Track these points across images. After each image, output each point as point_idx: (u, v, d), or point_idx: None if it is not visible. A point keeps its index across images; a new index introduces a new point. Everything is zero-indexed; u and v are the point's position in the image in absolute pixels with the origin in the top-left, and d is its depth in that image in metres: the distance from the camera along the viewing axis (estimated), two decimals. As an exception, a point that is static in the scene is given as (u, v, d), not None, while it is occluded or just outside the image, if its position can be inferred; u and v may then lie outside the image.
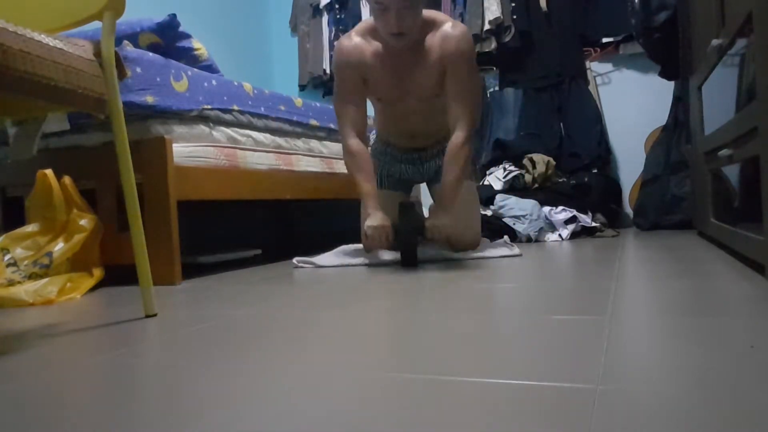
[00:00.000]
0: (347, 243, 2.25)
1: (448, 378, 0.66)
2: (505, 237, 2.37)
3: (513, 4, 3.30)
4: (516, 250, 2.01)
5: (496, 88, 3.52)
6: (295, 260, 2.05)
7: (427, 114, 1.95)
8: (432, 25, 1.81)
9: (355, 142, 1.85)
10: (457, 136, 1.79)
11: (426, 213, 2.42)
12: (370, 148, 2.16)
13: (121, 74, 1.22)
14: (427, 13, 1.82)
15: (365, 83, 1.87)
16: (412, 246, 1.81)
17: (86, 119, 1.76)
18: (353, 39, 1.85)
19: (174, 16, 1.96)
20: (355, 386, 0.65)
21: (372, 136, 2.20)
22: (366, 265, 1.94)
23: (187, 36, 2.07)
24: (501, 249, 2.02)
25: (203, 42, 2.22)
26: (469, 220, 1.99)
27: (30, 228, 1.66)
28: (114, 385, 0.71)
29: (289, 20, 4.25)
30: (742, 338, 0.77)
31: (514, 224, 2.61)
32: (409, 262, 1.82)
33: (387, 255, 1.96)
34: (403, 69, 1.83)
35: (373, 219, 1.77)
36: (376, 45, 1.83)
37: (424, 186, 3.09)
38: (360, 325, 0.99)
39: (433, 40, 1.80)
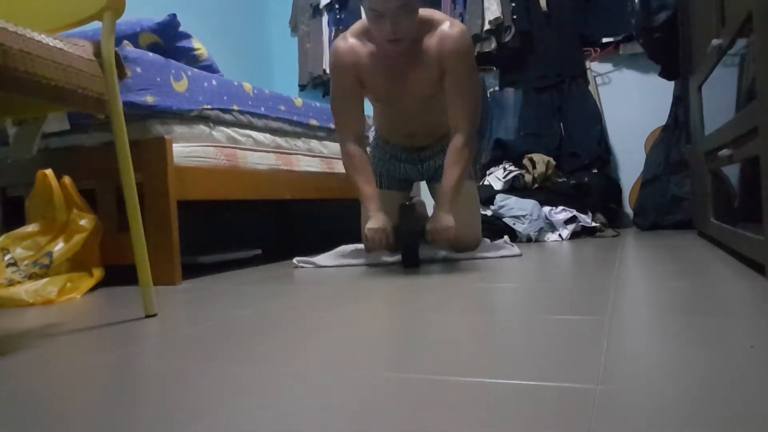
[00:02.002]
0: (347, 243, 2.25)
1: (448, 378, 0.66)
2: (505, 237, 2.37)
3: (513, 4, 3.30)
4: (516, 250, 2.01)
5: (496, 88, 3.52)
6: (295, 260, 2.05)
7: (425, 114, 1.93)
8: (429, 25, 1.77)
9: (353, 145, 1.82)
10: (458, 138, 1.77)
11: (430, 212, 2.42)
12: (369, 147, 2.16)
13: (121, 74, 1.22)
14: (424, 12, 1.77)
15: (362, 84, 1.83)
16: (413, 247, 1.80)
17: (86, 119, 1.76)
18: (348, 40, 1.80)
19: (174, 16, 1.96)
20: (355, 386, 0.65)
21: (371, 134, 2.18)
22: (366, 265, 1.94)
23: (187, 36, 2.07)
24: (501, 249, 2.02)
25: (203, 42, 2.22)
26: (470, 220, 1.99)
27: (30, 228, 1.66)
28: (114, 385, 0.71)
29: (289, 20, 4.25)
30: (742, 338, 0.77)
31: (514, 224, 2.61)
32: (411, 262, 1.81)
33: (387, 257, 1.95)
34: (400, 70, 1.79)
35: (374, 221, 1.74)
36: (371, 46, 1.79)
37: (424, 183, 3.09)
38: (360, 325, 0.99)
39: (430, 40, 1.76)
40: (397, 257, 1.90)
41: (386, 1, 1.60)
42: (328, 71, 3.93)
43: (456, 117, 1.78)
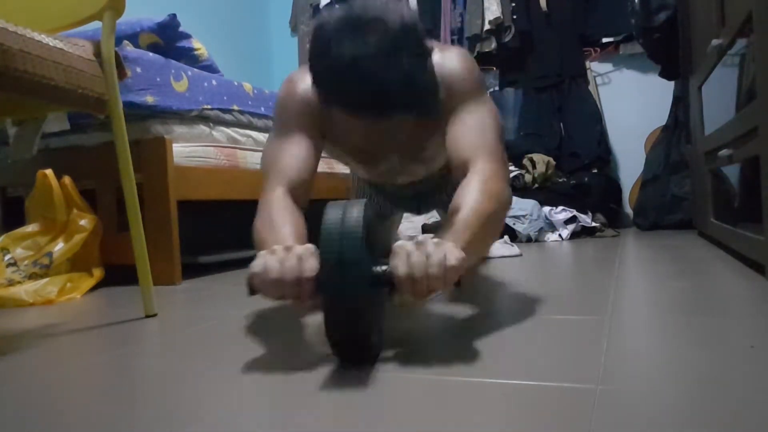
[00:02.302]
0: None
1: (448, 378, 0.66)
2: (505, 237, 2.37)
3: (513, 4, 3.30)
4: (516, 250, 2.01)
5: (496, 88, 3.52)
6: None
7: (419, 163, 1.31)
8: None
9: (280, 193, 1.03)
10: (477, 172, 0.95)
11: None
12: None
13: (121, 74, 1.22)
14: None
15: (321, 139, 1.11)
16: (353, 310, 0.70)
17: (86, 119, 1.76)
18: (307, 80, 1.02)
19: (174, 16, 1.96)
20: (355, 385, 0.65)
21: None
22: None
23: (187, 36, 2.07)
24: (501, 249, 2.02)
25: (203, 42, 2.22)
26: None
27: (30, 228, 1.66)
28: (114, 385, 0.71)
29: (289, 20, 4.25)
30: (742, 338, 0.77)
31: (514, 224, 2.61)
32: (350, 350, 0.75)
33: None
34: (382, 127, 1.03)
35: (270, 251, 0.78)
36: None
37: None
38: (360, 325, 0.99)
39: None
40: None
41: (370, 129, 1.00)
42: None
43: (468, 151, 1.00)
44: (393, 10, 0.91)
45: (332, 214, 0.73)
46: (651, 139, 3.16)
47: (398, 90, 0.87)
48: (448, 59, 1.07)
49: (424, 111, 0.98)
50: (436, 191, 1.54)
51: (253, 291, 0.75)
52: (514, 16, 3.30)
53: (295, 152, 1.08)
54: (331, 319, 0.71)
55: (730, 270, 1.39)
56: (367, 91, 0.87)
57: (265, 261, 0.75)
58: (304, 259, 0.74)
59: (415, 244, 0.74)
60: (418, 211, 1.65)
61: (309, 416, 0.57)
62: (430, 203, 1.61)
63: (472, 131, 1.02)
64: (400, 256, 0.73)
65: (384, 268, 0.73)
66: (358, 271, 0.69)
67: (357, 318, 0.70)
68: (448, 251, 0.73)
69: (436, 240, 0.75)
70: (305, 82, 1.07)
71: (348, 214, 0.72)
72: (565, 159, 3.24)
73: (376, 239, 0.85)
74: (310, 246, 0.77)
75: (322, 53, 0.88)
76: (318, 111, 1.07)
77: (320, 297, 0.71)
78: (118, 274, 1.78)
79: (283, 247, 0.76)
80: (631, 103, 3.33)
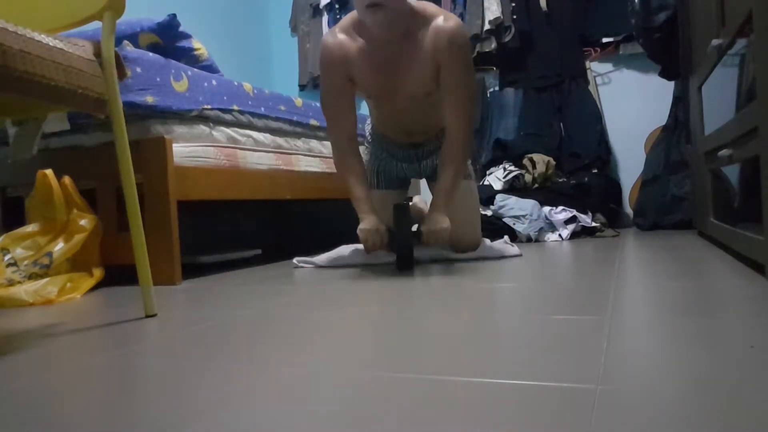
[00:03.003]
0: (347, 243, 2.25)
1: (448, 378, 0.66)
2: (505, 237, 2.37)
3: (513, 4, 3.30)
4: (516, 249, 2.01)
5: (496, 88, 3.52)
6: (295, 260, 2.05)
7: (421, 111, 1.85)
8: (422, 19, 1.67)
9: (344, 144, 1.77)
10: (452, 135, 1.72)
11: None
12: (365, 142, 2.14)
13: (121, 74, 1.22)
14: (418, 4, 1.68)
15: (352, 81, 1.74)
16: (407, 250, 1.73)
17: (86, 119, 1.76)
18: (337, 36, 1.71)
19: (174, 16, 1.96)
20: (355, 386, 0.65)
21: (367, 128, 2.14)
22: (366, 265, 1.94)
23: (187, 36, 2.07)
24: (501, 249, 2.02)
25: (203, 42, 2.22)
26: (469, 220, 1.98)
27: (30, 228, 1.66)
28: (114, 385, 0.71)
29: (289, 20, 4.25)
30: (742, 338, 0.77)
31: (514, 224, 2.61)
32: (405, 265, 1.73)
33: (386, 256, 1.94)
34: (391, 66, 1.71)
35: (366, 222, 1.72)
36: (361, 41, 1.70)
37: (423, 181, 3.08)
38: (360, 325, 0.99)
39: (424, 34, 1.66)
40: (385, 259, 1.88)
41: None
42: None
43: (451, 114, 1.71)
44: None
45: (395, 209, 1.72)
46: (651, 139, 3.16)
47: None
48: (448, 24, 1.65)
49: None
50: (431, 158, 2.04)
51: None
52: (514, 16, 3.30)
53: (343, 107, 1.77)
54: (399, 251, 1.73)
55: (730, 270, 1.39)
56: None
57: (365, 235, 1.72)
58: (383, 236, 1.72)
59: (427, 226, 1.71)
60: (419, 174, 2.12)
61: (309, 416, 0.57)
62: (427, 168, 2.07)
63: (457, 96, 1.70)
64: (424, 230, 1.71)
65: (421, 223, 1.78)
66: (407, 236, 1.73)
67: (409, 249, 1.73)
68: (439, 219, 1.70)
69: (436, 214, 1.72)
70: (333, 42, 1.71)
71: (402, 209, 1.71)
72: (565, 159, 3.24)
73: (411, 218, 1.78)
74: (383, 227, 1.72)
75: None
76: (346, 61, 1.71)
77: (393, 245, 1.74)
78: (118, 274, 1.78)
79: (373, 226, 1.71)
80: (631, 103, 3.33)
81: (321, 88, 1.78)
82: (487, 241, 2.19)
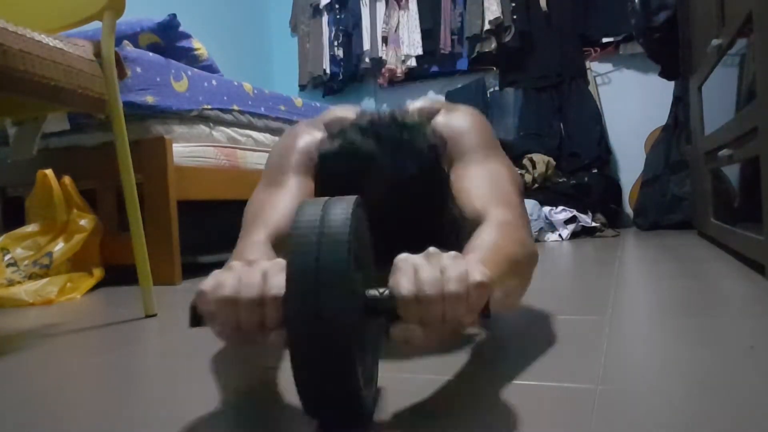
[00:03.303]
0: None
1: (447, 378, 0.66)
2: None
3: (513, 4, 3.30)
4: None
5: (496, 88, 3.52)
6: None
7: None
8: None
9: (260, 240, 0.83)
10: (493, 219, 0.78)
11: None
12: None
13: (121, 74, 1.22)
14: None
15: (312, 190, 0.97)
16: (336, 353, 0.47)
17: (86, 119, 1.76)
18: (315, 135, 0.99)
19: (174, 16, 1.96)
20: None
21: None
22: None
23: (187, 36, 2.07)
24: None
25: (203, 42, 2.22)
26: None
27: (30, 228, 1.66)
28: (114, 385, 0.71)
29: (289, 20, 4.25)
30: (742, 338, 0.77)
31: (514, 224, 2.61)
32: (330, 414, 0.51)
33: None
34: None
35: (231, 266, 0.57)
36: None
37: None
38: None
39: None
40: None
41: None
42: (328, 71, 3.92)
43: (480, 201, 0.85)
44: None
45: (309, 211, 0.51)
46: (651, 139, 3.16)
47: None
48: (454, 118, 1.00)
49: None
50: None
51: (196, 319, 0.54)
52: (514, 16, 3.30)
53: (287, 200, 0.92)
54: (301, 364, 0.47)
55: (730, 270, 1.39)
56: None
57: (218, 277, 0.54)
58: (271, 274, 0.53)
59: (425, 255, 0.54)
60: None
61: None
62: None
63: (485, 181, 0.90)
64: (403, 270, 0.52)
65: (381, 290, 0.51)
66: (344, 290, 0.46)
67: (341, 362, 0.46)
68: (471, 266, 0.53)
69: (453, 253, 0.55)
70: (310, 134, 1.01)
71: (331, 212, 0.51)
72: (565, 159, 3.24)
73: (368, 250, 0.61)
74: (281, 261, 0.55)
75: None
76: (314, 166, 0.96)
77: (288, 328, 0.47)
78: (118, 274, 1.78)
79: (245, 261, 0.56)
80: (631, 103, 3.33)
81: (267, 167, 1.01)
82: None
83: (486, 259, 0.63)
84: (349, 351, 0.46)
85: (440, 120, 0.99)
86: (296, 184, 0.93)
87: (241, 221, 0.93)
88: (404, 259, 0.54)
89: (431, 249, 0.55)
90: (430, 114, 1.02)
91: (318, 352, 0.46)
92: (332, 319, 0.45)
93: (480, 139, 0.98)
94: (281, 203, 0.90)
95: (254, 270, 0.54)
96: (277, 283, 0.51)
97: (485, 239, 0.72)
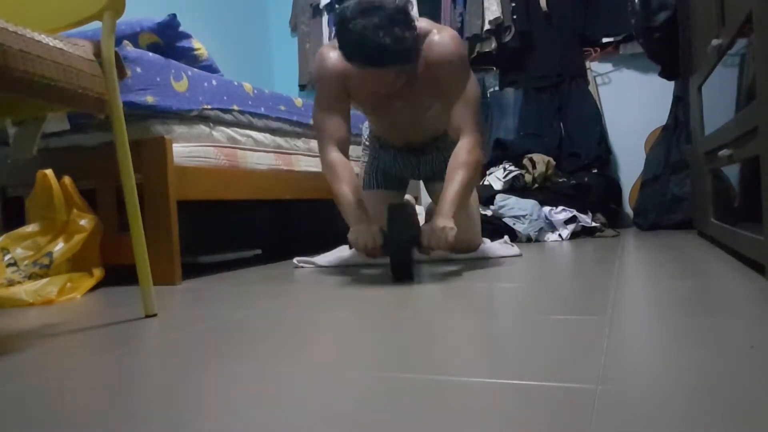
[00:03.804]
0: (346, 243, 2.25)
1: (447, 378, 0.66)
2: (505, 237, 2.37)
3: (513, 4, 3.30)
4: (516, 250, 2.01)
5: (496, 88, 3.52)
6: (295, 260, 2.05)
7: (420, 122, 1.82)
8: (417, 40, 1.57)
9: (335, 153, 1.65)
10: (463, 141, 1.60)
11: (421, 213, 2.35)
12: (363, 143, 2.13)
13: (121, 74, 1.22)
14: None
15: (348, 95, 1.68)
16: (404, 255, 1.49)
17: (86, 119, 1.76)
18: (337, 50, 1.58)
19: (174, 16, 1.96)
20: (355, 386, 0.65)
21: (365, 130, 2.12)
22: (366, 265, 1.93)
23: (187, 36, 2.07)
24: (501, 249, 2.02)
25: (203, 42, 2.22)
26: (469, 220, 1.97)
27: (30, 228, 1.66)
28: (114, 385, 0.71)
29: (289, 20, 4.25)
30: (742, 338, 0.77)
31: (514, 224, 2.61)
32: (402, 273, 1.50)
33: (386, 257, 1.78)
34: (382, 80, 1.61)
35: (357, 225, 1.56)
36: None
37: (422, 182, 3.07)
38: (360, 325, 0.99)
39: (419, 54, 1.58)
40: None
41: (376, 76, 1.51)
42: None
43: (458, 121, 1.62)
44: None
45: (390, 209, 1.50)
46: (651, 139, 3.16)
47: (390, 50, 1.41)
48: (441, 37, 1.59)
49: (406, 66, 1.52)
50: (430, 159, 2.00)
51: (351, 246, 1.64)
52: (514, 16, 3.30)
53: (335, 116, 1.66)
54: (392, 257, 1.50)
55: (730, 270, 1.39)
56: (371, 50, 1.41)
57: (356, 235, 1.53)
58: (376, 237, 1.51)
59: (430, 226, 1.50)
60: (417, 176, 2.08)
61: (308, 416, 0.57)
62: (426, 170, 2.04)
63: (461, 106, 1.61)
64: (425, 231, 1.51)
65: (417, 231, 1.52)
66: (405, 234, 1.49)
67: (406, 255, 1.50)
68: (443, 221, 1.50)
69: (440, 217, 1.51)
70: (332, 55, 1.63)
71: (398, 209, 1.50)
72: (565, 159, 3.24)
73: (413, 220, 1.58)
74: (376, 227, 1.53)
75: (343, 29, 1.42)
76: (343, 76, 1.62)
77: (388, 250, 1.51)
78: (118, 274, 1.78)
79: (365, 226, 1.54)
80: (631, 103, 3.33)
81: (316, 96, 1.71)
82: (487, 241, 2.19)
83: (452, 208, 1.53)
84: (408, 249, 1.51)
85: (432, 38, 1.58)
86: (335, 99, 1.66)
87: (315, 131, 1.74)
88: (426, 226, 1.52)
89: (435, 224, 1.51)
90: (425, 33, 1.58)
91: (399, 252, 1.50)
92: (402, 242, 1.50)
93: (459, 65, 1.60)
94: (333, 121, 1.67)
95: (369, 234, 1.52)
96: (379, 240, 1.52)
97: (456, 180, 1.56)
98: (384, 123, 1.88)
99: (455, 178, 1.56)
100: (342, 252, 2.07)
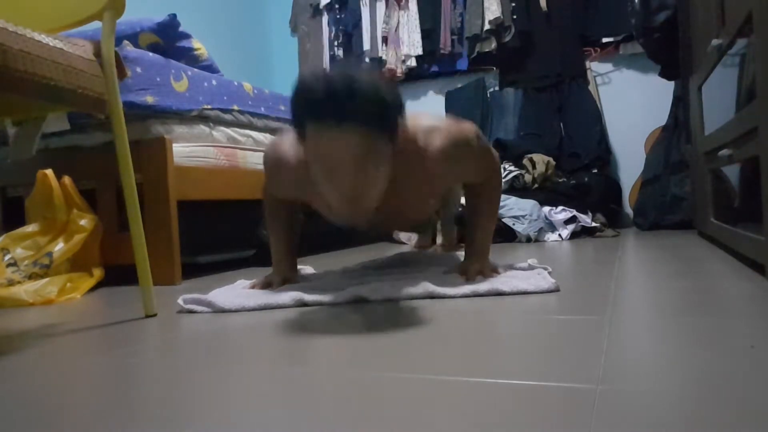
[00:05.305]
0: (347, 243, 2.22)
1: (448, 378, 0.66)
2: (533, 260, 1.56)
3: (513, 4, 3.30)
4: (550, 280, 1.24)
5: (496, 88, 3.52)
6: (181, 300, 1.25)
7: (411, 217, 1.55)
8: (410, 141, 1.22)
9: (279, 204, 1.45)
10: (483, 186, 1.40)
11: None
12: None
13: (121, 74, 1.22)
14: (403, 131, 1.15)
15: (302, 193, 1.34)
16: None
17: (86, 119, 1.76)
18: (294, 151, 1.27)
19: (174, 16, 1.96)
20: (354, 387, 0.65)
21: None
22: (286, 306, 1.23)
23: (187, 36, 2.07)
24: (531, 279, 1.27)
25: (203, 42, 2.22)
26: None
27: (30, 228, 1.66)
28: (114, 385, 0.71)
29: (289, 20, 4.25)
30: (742, 338, 0.77)
31: (513, 224, 2.61)
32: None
33: (294, 294, 1.24)
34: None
35: (274, 270, 1.43)
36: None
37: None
38: (360, 325, 0.99)
39: (414, 152, 1.22)
40: (330, 296, 1.21)
41: (338, 148, 1.00)
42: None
43: (477, 179, 1.39)
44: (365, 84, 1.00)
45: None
46: (651, 139, 3.16)
47: (361, 96, 0.98)
48: (432, 141, 1.23)
49: (380, 141, 1.05)
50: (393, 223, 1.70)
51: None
52: (514, 16, 3.30)
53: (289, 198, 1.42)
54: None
55: (730, 270, 1.39)
56: (335, 92, 0.98)
57: (269, 275, 1.42)
58: (276, 286, 1.37)
59: (470, 265, 1.39)
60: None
61: (308, 416, 0.57)
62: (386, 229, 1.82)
63: (476, 174, 1.36)
64: (465, 269, 1.38)
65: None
66: None
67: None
68: (486, 272, 1.36)
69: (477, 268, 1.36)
70: (292, 154, 1.29)
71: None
72: (565, 159, 3.24)
73: None
74: (284, 279, 1.40)
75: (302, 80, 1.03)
76: (302, 187, 1.29)
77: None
78: (118, 274, 1.78)
79: (279, 277, 1.40)
80: (631, 103, 3.33)
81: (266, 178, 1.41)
82: (514, 272, 1.41)
83: (481, 250, 1.43)
84: None
85: (425, 145, 1.23)
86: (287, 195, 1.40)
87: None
88: (463, 266, 1.41)
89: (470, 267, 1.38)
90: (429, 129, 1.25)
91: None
92: None
93: (470, 150, 1.28)
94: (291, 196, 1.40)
95: (277, 279, 1.39)
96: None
97: (479, 235, 1.44)
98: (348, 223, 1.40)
99: (477, 230, 1.43)
100: (240, 287, 1.44)
